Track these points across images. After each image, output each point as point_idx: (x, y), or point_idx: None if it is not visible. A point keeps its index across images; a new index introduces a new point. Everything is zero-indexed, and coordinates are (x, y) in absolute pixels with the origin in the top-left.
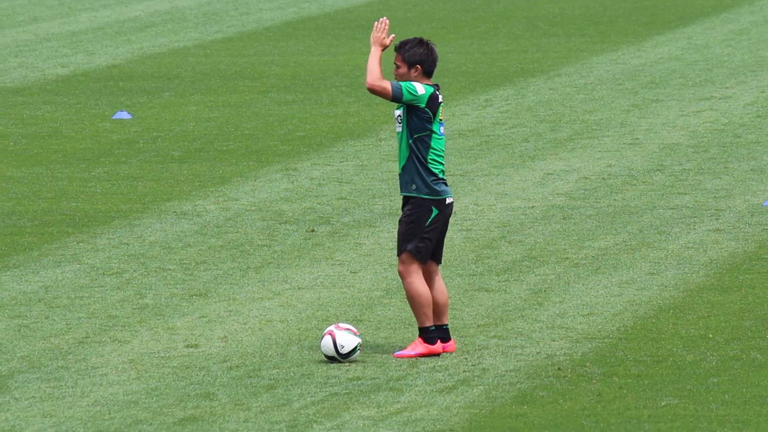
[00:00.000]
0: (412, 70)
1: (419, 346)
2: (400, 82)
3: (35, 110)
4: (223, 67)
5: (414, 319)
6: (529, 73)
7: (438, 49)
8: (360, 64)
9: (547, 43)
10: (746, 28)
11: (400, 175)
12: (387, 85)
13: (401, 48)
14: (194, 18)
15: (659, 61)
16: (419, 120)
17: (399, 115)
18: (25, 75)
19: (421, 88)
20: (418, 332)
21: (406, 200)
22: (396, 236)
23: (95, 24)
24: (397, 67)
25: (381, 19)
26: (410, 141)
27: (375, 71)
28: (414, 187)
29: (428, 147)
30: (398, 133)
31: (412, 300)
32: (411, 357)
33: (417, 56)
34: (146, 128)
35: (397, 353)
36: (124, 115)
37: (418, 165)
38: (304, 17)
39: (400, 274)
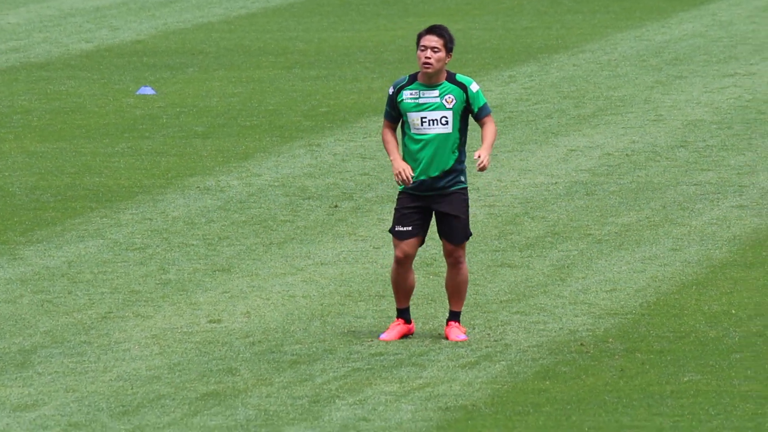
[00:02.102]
0: (448, 57)
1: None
2: (483, 100)
3: (59, 85)
4: (247, 43)
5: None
6: (553, 50)
7: (463, 25)
8: (384, 40)
9: (571, 19)
10: None
11: (435, 177)
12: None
13: (442, 32)
14: None
15: (683, 38)
16: (466, 118)
17: (444, 117)
18: (50, 50)
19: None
20: (453, 316)
21: (444, 195)
22: (446, 229)
23: None
24: (436, 50)
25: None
26: (460, 142)
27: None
28: (463, 178)
29: None
30: (436, 135)
31: (465, 284)
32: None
33: (453, 44)
34: (170, 104)
35: (461, 337)
36: (148, 90)
37: (463, 162)
38: None
39: (460, 259)
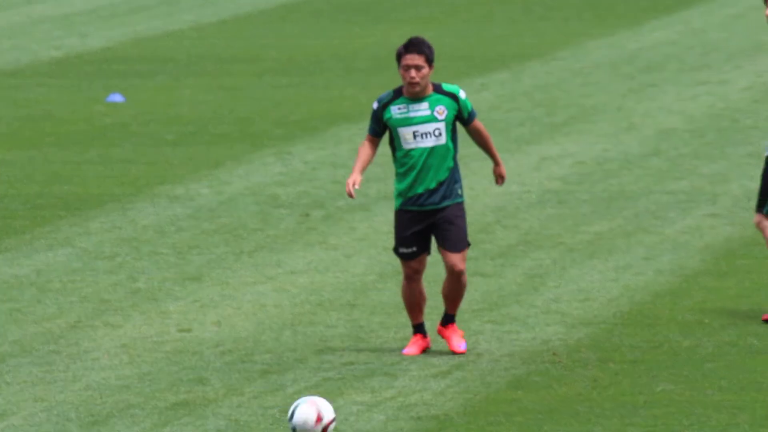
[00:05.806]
0: (431, 69)
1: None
2: (471, 104)
3: (28, 93)
4: (218, 50)
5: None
6: (526, 57)
7: (435, 32)
8: (356, 48)
9: (543, 27)
10: (743, 13)
11: (432, 190)
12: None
13: (422, 48)
14: (189, 0)
15: (656, 46)
16: (455, 127)
17: (437, 129)
18: (18, 57)
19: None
20: (451, 319)
21: (441, 210)
22: (443, 235)
23: (89, 6)
24: (420, 68)
25: None
26: (454, 151)
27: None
28: (459, 191)
29: None
30: (430, 147)
31: (463, 290)
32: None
33: (434, 54)
34: (140, 111)
35: (463, 348)
36: (118, 98)
37: (459, 173)
38: (300, 0)
39: (461, 269)
